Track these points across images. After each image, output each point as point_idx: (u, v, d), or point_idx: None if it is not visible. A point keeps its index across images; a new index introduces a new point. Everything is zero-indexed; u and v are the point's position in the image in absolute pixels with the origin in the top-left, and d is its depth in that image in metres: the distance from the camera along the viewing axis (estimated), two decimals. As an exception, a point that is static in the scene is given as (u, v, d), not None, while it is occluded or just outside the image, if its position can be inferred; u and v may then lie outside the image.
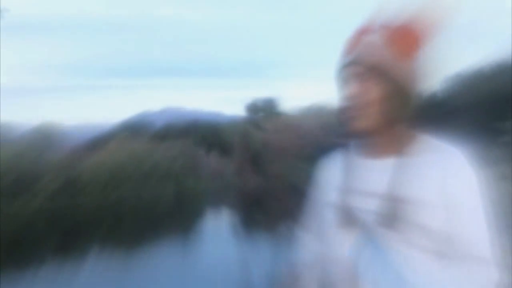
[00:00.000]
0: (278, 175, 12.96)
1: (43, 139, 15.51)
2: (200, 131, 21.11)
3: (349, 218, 0.98)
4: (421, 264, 0.92)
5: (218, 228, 11.24)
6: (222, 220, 12.84)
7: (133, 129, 19.17)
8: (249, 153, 16.12)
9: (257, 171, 15.46)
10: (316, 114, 15.25)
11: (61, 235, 10.56)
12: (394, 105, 0.95)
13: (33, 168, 12.63)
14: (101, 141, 16.95)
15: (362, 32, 0.98)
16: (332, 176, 1.09)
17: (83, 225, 11.67)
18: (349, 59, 0.98)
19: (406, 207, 0.92)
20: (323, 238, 1.08)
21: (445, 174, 0.92)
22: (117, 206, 13.45)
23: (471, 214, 0.93)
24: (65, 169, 13.16)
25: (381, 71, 0.94)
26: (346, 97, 0.98)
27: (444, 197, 0.91)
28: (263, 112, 22.27)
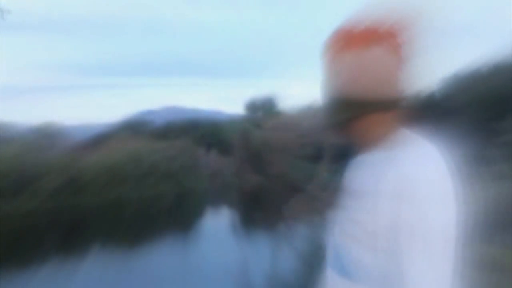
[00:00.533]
0: (277, 174, 12.97)
1: (44, 139, 15.52)
2: (200, 130, 21.10)
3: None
4: (359, 256, 0.91)
5: (217, 226, 11.25)
6: (222, 218, 12.86)
7: (133, 128, 19.16)
8: (248, 151, 16.13)
9: (256, 169, 15.50)
10: (315, 113, 15.23)
11: (62, 234, 10.58)
12: (392, 110, 0.95)
13: (34, 167, 12.64)
14: (102, 140, 16.97)
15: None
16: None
17: (84, 223, 11.72)
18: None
19: (353, 201, 0.95)
20: None
21: (402, 173, 0.84)
22: (117, 205, 13.44)
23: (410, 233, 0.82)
24: (66, 168, 13.18)
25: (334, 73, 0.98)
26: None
27: (390, 195, 0.84)
28: (263, 110, 22.27)
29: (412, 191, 0.81)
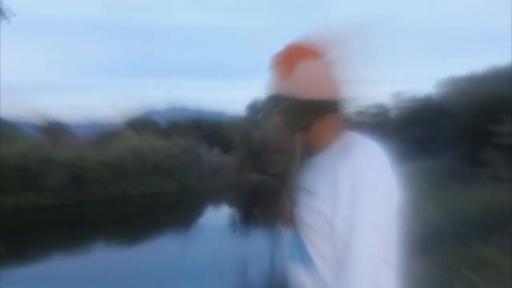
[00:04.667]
0: (277, 173, 12.95)
1: (50, 137, 15.46)
2: (202, 130, 21.13)
3: (293, 214, 1.10)
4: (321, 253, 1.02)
5: (218, 223, 11.24)
6: (222, 216, 12.84)
7: (137, 127, 19.11)
8: (249, 151, 16.16)
9: (256, 168, 15.57)
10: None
11: (66, 230, 10.69)
12: (289, 117, 1.09)
13: (39, 165, 12.69)
14: (106, 138, 16.99)
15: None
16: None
17: (88, 220, 11.81)
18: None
19: (310, 197, 1.03)
20: None
21: (345, 170, 0.96)
22: (121, 202, 13.55)
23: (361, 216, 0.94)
24: (70, 166, 13.23)
25: (275, 96, 1.10)
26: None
27: (339, 189, 0.96)
28: (263, 112, 22.42)
29: (365, 181, 0.94)
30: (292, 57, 1.06)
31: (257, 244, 8.47)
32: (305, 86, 1.05)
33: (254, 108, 23.26)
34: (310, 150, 1.13)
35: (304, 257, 1.05)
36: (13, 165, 12.18)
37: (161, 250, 8.45)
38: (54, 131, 17.09)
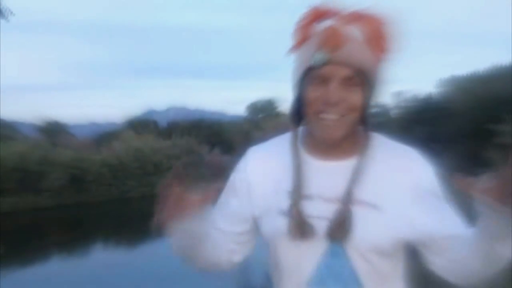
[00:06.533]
0: None
1: (49, 137, 15.47)
2: (203, 130, 21.14)
3: (304, 226, 0.87)
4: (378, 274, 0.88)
5: None
6: None
7: (138, 127, 19.14)
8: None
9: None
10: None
11: (65, 232, 10.65)
12: (369, 111, 0.87)
13: (38, 165, 12.67)
14: (106, 138, 16.99)
15: (337, 23, 0.82)
16: (273, 177, 0.97)
17: (88, 221, 11.79)
18: (332, 58, 0.81)
19: (361, 210, 0.85)
20: (269, 242, 1.00)
21: (406, 173, 0.88)
22: (121, 203, 13.52)
23: (441, 208, 0.88)
24: (70, 167, 13.20)
25: (368, 75, 0.83)
26: (324, 103, 0.84)
27: (408, 196, 0.86)
28: (264, 112, 22.52)
29: (429, 181, 0.89)
30: (382, 31, 0.83)
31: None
32: (387, 71, 0.88)
33: (255, 108, 23.29)
34: (329, 152, 0.92)
35: (349, 284, 0.88)
36: (12, 166, 12.15)
37: (161, 251, 8.39)
38: (53, 131, 17.13)
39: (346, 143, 0.88)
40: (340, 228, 0.84)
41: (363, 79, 0.83)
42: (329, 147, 0.90)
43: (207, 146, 18.12)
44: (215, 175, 0.95)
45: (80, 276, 6.91)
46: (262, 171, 1.00)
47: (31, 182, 12.36)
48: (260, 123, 18.71)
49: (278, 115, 20.77)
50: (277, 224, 0.92)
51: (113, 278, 6.80)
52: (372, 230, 0.85)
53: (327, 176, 0.90)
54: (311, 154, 0.93)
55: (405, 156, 0.91)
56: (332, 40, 0.81)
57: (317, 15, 0.84)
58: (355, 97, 0.83)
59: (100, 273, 7.05)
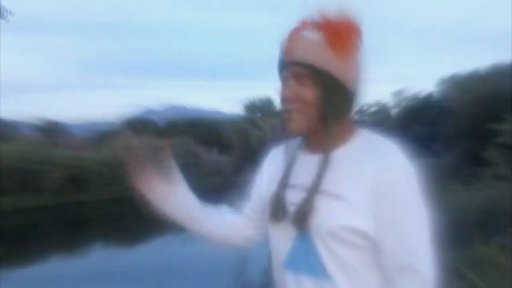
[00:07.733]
0: None
1: (49, 137, 15.47)
2: (201, 129, 21.15)
3: (278, 211, 0.97)
4: (340, 261, 0.91)
5: None
6: None
7: (136, 127, 19.14)
8: (247, 150, 16.16)
9: (254, 168, 15.46)
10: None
11: (64, 231, 10.71)
12: (332, 105, 0.92)
13: (37, 165, 12.71)
14: (105, 138, 17.00)
15: (299, 29, 0.93)
16: (274, 168, 1.07)
17: (86, 220, 11.83)
18: (289, 59, 0.92)
19: (324, 199, 0.91)
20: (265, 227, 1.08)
21: (378, 167, 0.89)
22: (119, 202, 13.59)
23: (406, 212, 0.89)
24: (68, 166, 13.26)
25: (321, 72, 0.90)
26: (283, 99, 0.94)
27: (375, 191, 0.88)
28: (261, 111, 22.55)
29: (403, 179, 0.89)
30: (348, 34, 0.91)
31: (256, 244, 8.44)
32: (356, 74, 0.94)
33: (253, 108, 23.32)
34: (312, 146, 0.99)
35: (316, 269, 0.93)
36: (12, 165, 12.19)
37: (160, 250, 8.46)
38: (53, 131, 17.12)
39: (326, 137, 0.94)
40: (300, 215, 0.92)
41: (316, 76, 0.91)
42: (313, 141, 0.98)
43: (205, 145, 18.17)
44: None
45: (80, 274, 6.95)
46: (269, 164, 1.14)
47: (30, 182, 12.39)
48: (258, 122, 18.72)
49: (276, 114, 20.79)
50: (265, 210, 1.03)
51: (113, 276, 6.84)
52: (330, 218, 0.90)
53: (306, 167, 0.97)
54: (302, 149, 1.02)
55: (381, 152, 0.92)
56: (288, 44, 0.94)
57: (301, 26, 0.94)
58: (308, 93, 0.91)
59: (100, 272, 7.10)
